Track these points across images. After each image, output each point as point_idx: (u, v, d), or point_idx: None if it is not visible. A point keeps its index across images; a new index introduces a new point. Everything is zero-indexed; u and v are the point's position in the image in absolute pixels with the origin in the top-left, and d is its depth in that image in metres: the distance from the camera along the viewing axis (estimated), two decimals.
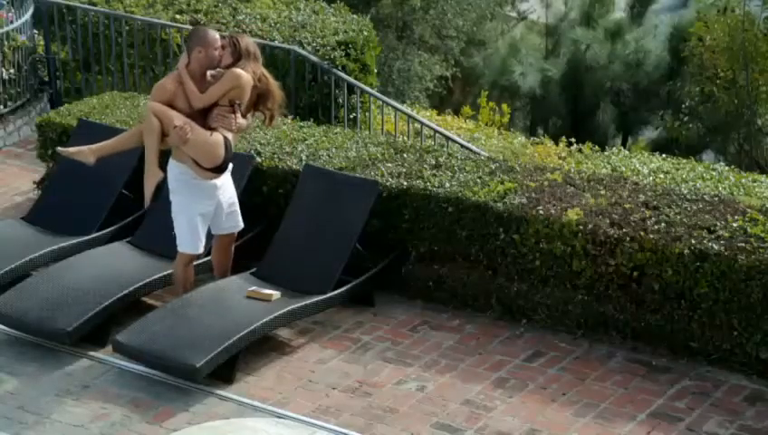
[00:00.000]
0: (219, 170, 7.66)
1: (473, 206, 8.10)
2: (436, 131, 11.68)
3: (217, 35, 7.57)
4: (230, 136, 7.64)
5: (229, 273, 8.13)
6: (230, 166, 7.82)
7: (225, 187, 7.83)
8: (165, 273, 8.11)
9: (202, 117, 7.58)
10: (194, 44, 7.53)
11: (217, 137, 7.54)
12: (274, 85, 7.83)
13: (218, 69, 7.61)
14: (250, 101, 7.74)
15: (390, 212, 8.38)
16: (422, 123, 11.75)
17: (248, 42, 7.65)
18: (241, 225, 8.04)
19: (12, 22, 11.79)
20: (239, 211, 8.01)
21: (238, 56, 7.56)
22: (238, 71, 7.52)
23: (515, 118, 20.34)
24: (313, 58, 11.19)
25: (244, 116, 7.73)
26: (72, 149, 7.93)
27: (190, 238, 7.74)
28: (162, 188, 8.50)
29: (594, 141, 13.30)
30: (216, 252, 8.11)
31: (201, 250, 7.82)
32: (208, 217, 7.79)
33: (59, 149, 8.09)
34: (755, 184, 10.19)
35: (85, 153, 7.81)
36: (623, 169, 10.89)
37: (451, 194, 8.20)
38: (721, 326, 7.40)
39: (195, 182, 7.64)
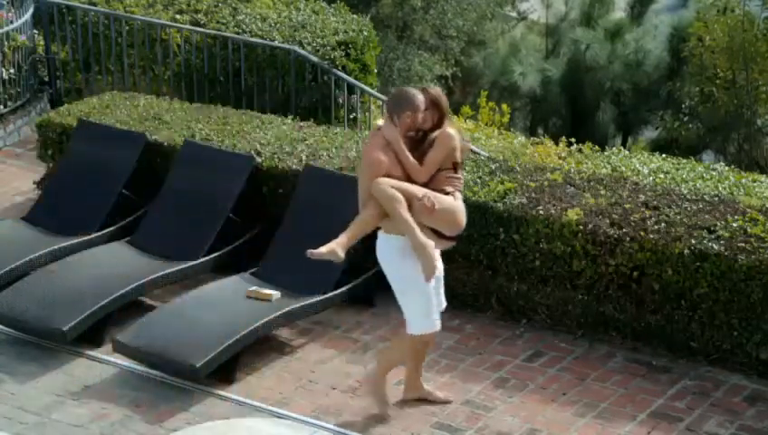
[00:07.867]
0: (458, 238, 6.89)
1: (473, 206, 8.08)
2: None
3: (422, 96, 6.68)
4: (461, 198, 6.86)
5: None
6: None
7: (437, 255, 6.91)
8: (163, 273, 8.11)
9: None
10: (403, 109, 6.66)
11: (460, 202, 6.76)
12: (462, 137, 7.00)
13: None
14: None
15: None
16: None
17: (441, 96, 6.80)
18: (444, 303, 7.05)
19: (12, 22, 11.78)
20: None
21: (440, 115, 6.76)
22: (450, 131, 6.75)
23: (515, 118, 20.29)
24: (313, 58, 11.19)
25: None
26: (323, 250, 6.69)
27: (427, 316, 6.81)
28: (161, 187, 8.48)
29: (594, 141, 13.23)
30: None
31: (439, 325, 6.91)
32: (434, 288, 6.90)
33: (310, 252, 6.69)
34: (755, 184, 10.15)
35: (335, 251, 6.67)
36: (623, 169, 10.85)
37: None
38: (721, 326, 7.40)
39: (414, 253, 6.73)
